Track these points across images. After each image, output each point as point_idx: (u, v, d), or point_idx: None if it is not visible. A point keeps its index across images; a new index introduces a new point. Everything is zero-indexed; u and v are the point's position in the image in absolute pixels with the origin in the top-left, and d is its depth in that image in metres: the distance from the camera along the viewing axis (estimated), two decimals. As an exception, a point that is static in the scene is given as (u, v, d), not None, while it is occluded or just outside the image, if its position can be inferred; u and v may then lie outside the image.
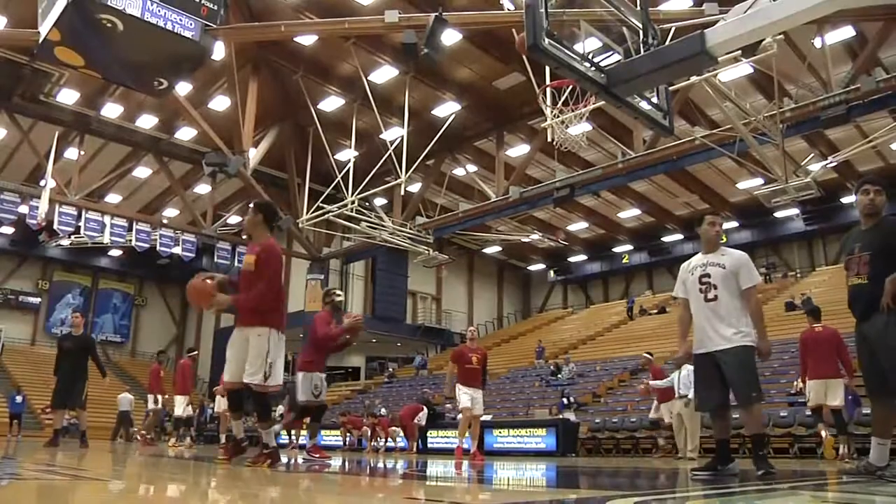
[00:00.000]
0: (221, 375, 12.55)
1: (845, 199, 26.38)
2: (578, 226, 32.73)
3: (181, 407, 13.36)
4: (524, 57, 12.50)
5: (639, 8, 6.12)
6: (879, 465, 4.27)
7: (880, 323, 4.11)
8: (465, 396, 9.19)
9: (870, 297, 4.14)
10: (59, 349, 9.58)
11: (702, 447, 10.85)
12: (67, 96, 22.14)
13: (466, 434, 9.60)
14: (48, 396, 10.07)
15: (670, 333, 23.45)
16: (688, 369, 10.83)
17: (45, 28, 12.75)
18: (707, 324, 4.74)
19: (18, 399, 21.94)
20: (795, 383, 11.46)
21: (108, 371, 10.57)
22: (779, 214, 28.66)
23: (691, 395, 10.57)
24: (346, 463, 8.57)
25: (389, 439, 16.54)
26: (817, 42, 15.62)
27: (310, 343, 7.78)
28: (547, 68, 12.07)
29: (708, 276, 4.87)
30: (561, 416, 15.30)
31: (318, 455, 7.70)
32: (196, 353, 13.69)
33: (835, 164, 19.07)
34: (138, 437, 15.74)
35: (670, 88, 7.22)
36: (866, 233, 4.33)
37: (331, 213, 21.21)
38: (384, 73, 20.61)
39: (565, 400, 17.03)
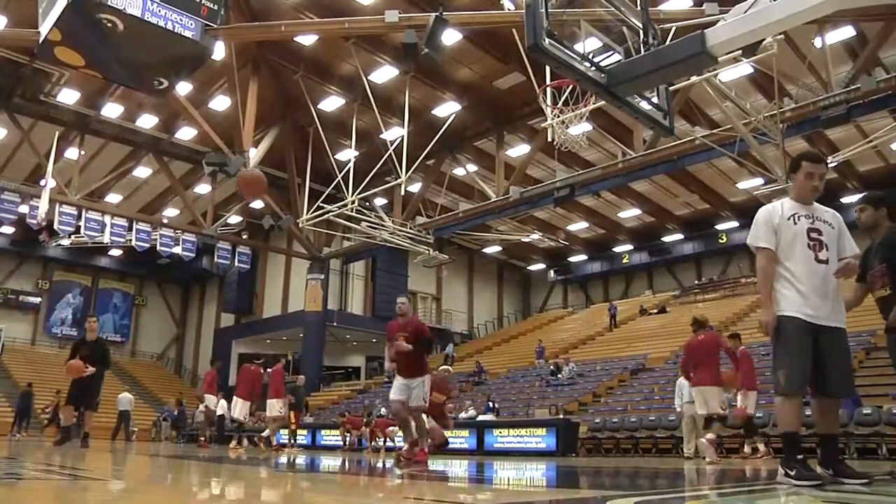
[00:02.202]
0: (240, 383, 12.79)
1: (845, 199, 26.33)
2: (578, 226, 32.74)
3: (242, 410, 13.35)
4: (524, 57, 12.53)
5: (639, 8, 6.12)
6: None
7: None
8: (395, 384, 7.23)
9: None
10: (73, 354, 9.51)
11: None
12: (68, 96, 22.16)
13: (422, 434, 7.28)
14: (49, 396, 10.11)
15: (670, 333, 23.48)
16: None
17: (45, 28, 12.74)
18: (815, 289, 3.76)
19: (22, 398, 21.96)
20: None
21: (108, 371, 10.65)
22: (779, 214, 28.65)
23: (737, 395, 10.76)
24: (346, 463, 8.57)
25: (388, 440, 16.53)
26: (817, 42, 15.62)
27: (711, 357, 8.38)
28: (547, 68, 12.09)
29: (818, 231, 3.90)
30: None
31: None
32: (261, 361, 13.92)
33: (835, 164, 19.07)
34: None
35: (670, 88, 7.22)
36: (880, 247, 4.36)
37: (331, 213, 21.22)
38: (384, 73, 20.62)
39: (490, 403, 17.73)
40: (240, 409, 12.86)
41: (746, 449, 10.60)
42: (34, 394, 21.55)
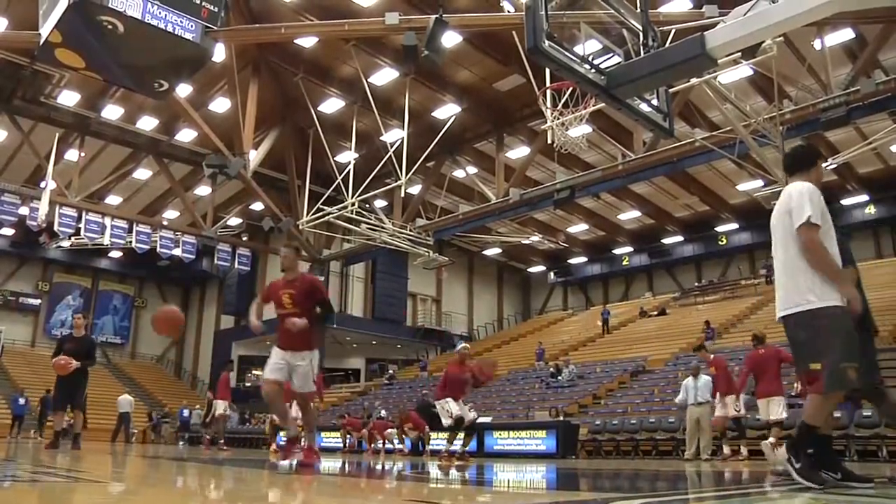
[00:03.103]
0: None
1: (845, 201, 26.40)
2: (578, 228, 32.75)
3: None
4: (524, 59, 12.53)
5: (639, 10, 6.13)
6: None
7: None
8: (272, 359, 5.56)
9: None
10: (58, 350, 9.46)
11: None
12: (68, 98, 22.17)
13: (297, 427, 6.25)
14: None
15: (670, 335, 23.47)
16: (704, 378, 11.13)
17: (45, 30, 12.77)
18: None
19: (21, 401, 21.96)
20: (796, 385, 11.72)
21: (107, 374, 10.65)
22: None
23: (715, 401, 10.95)
24: (346, 465, 8.56)
25: (388, 442, 16.51)
26: (817, 44, 15.64)
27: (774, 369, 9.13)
28: (547, 70, 12.09)
29: None
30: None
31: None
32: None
33: (835, 165, 19.08)
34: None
35: (670, 90, 7.23)
36: None
37: (331, 215, 21.21)
38: (384, 75, 20.63)
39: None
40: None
41: (726, 450, 11.08)
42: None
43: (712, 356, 11.50)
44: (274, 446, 13.08)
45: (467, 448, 9.80)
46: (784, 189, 3.85)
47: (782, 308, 3.63)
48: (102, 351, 35.24)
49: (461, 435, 9.56)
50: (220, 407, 14.94)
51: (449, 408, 9.21)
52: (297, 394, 5.68)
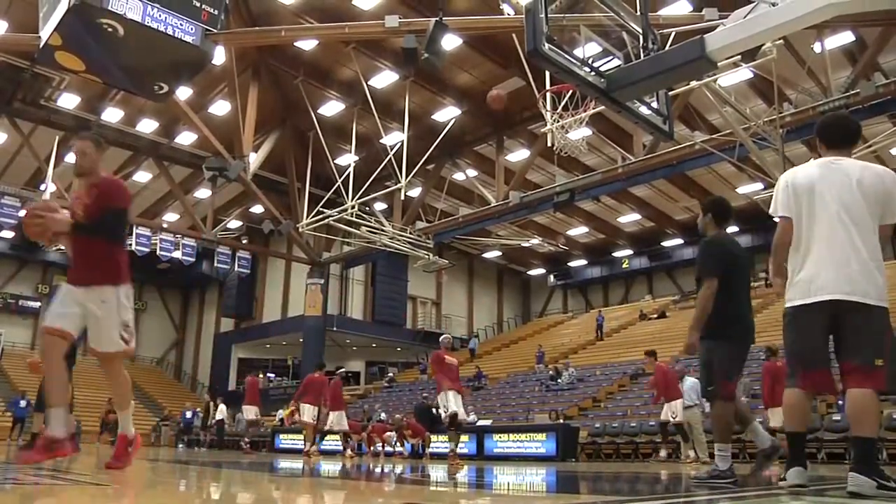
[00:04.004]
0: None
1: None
2: (578, 230, 32.75)
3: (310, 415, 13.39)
4: (524, 62, 12.55)
5: (639, 13, 6.14)
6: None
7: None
8: (56, 299, 4.10)
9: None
10: None
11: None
12: (68, 101, 22.20)
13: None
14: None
15: (670, 338, 23.43)
16: (691, 381, 11.12)
17: (45, 33, 12.80)
18: None
19: (22, 403, 21.91)
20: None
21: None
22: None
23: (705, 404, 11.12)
24: (346, 468, 8.56)
25: (387, 445, 16.48)
26: (817, 47, 15.66)
27: None
28: (547, 73, 12.10)
29: None
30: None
31: None
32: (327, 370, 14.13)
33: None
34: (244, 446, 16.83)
35: (670, 93, 7.23)
36: None
37: (331, 218, 21.20)
38: (384, 78, 20.65)
39: (434, 410, 17.87)
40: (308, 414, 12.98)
41: (665, 453, 11.64)
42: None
43: (656, 363, 11.73)
44: (312, 448, 13.04)
45: (457, 448, 9.38)
46: (859, 164, 3.39)
47: (866, 296, 3.21)
48: (102, 354, 35.11)
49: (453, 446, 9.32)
50: (251, 413, 14.97)
51: (448, 403, 8.89)
52: (100, 353, 3.89)
